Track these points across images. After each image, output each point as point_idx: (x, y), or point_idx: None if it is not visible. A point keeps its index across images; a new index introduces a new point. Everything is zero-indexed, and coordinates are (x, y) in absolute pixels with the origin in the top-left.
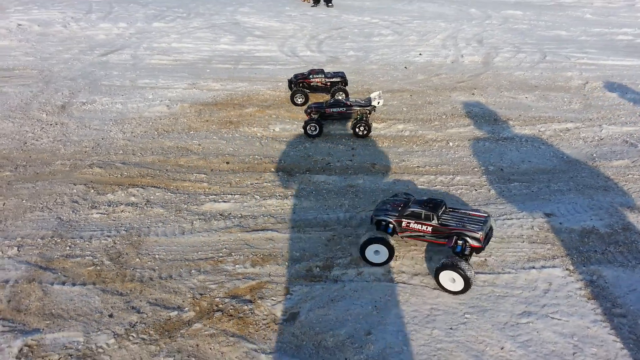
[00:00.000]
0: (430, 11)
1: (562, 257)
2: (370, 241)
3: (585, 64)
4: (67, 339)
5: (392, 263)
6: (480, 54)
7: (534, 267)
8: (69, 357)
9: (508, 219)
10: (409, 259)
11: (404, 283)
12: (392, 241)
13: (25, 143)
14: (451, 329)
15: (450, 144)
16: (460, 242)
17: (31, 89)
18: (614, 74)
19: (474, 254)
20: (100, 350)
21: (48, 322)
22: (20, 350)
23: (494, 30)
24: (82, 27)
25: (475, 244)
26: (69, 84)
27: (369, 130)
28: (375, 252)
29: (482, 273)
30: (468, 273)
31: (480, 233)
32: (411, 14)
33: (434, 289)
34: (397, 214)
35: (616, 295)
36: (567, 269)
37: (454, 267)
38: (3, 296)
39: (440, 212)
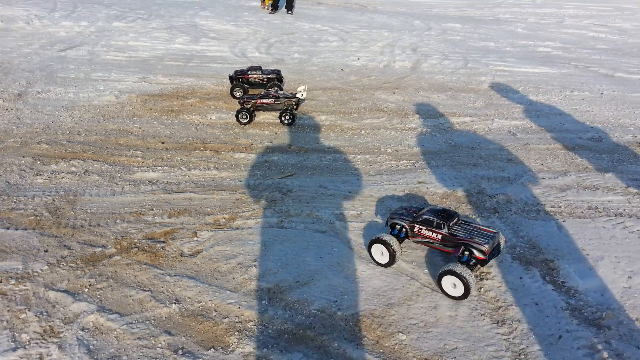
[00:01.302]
0: (378, 21)
1: None
2: (376, 241)
3: (501, 71)
4: (9, 266)
5: (288, 215)
6: (411, 60)
7: None
8: (9, 278)
9: (386, 185)
10: (300, 213)
11: (293, 228)
12: (395, 246)
13: None
14: (321, 257)
15: (362, 132)
16: (466, 252)
17: None
18: (523, 79)
19: (479, 266)
20: (35, 273)
21: None
22: None
23: (430, 40)
24: (44, 24)
25: (480, 256)
26: (26, 75)
27: (293, 119)
28: (382, 253)
29: (356, 222)
30: (470, 280)
31: (487, 246)
32: (360, 23)
33: (315, 231)
34: (411, 219)
35: None
36: None
37: (457, 274)
38: None
39: (452, 222)
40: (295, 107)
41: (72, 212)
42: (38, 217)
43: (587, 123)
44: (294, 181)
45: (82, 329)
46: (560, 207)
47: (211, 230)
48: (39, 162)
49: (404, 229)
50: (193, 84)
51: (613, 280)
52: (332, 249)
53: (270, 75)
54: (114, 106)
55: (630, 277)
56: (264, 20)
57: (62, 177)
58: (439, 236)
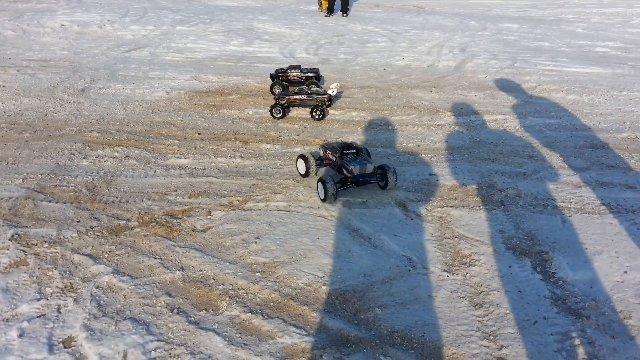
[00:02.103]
0: (432, 22)
1: (424, 200)
2: (300, 156)
3: (548, 70)
4: (44, 232)
5: (297, 200)
6: (457, 60)
7: (398, 206)
8: (44, 242)
9: (399, 176)
10: (307, 198)
11: (298, 212)
12: (312, 162)
13: (46, 115)
14: (318, 238)
15: (389, 127)
16: (343, 170)
17: (60, 76)
18: (570, 79)
19: (350, 182)
20: (66, 239)
21: (34, 222)
22: (12, 235)
23: (482, 40)
24: (115, 28)
25: (347, 174)
26: (92, 73)
27: (324, 115)
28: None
29: (359, 208)
30: (328, 186)
31: (352, 168)
32: (413, 24)
33: (318, 216)
34: (326, 147)
35: (454, 226)
36: (425, 208)
37: (322, 181)
38: (7, 206)
39: (345, 151)
40: (327, 103)
41: (106, 190)
42: (77, 194)
43: (627, 123)
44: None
45: (97, 287)
46: (570, 202)
47: (224, 211)
48: (87, 148)
49: (321, 153)
50: (239, 82)
51: (607, 273)
52: (330, 232)
53: (308, 74)
54: (164, 101)
55: (625, 272)
56: (318, 23)
57: (105, 161)
58: (334, 158)
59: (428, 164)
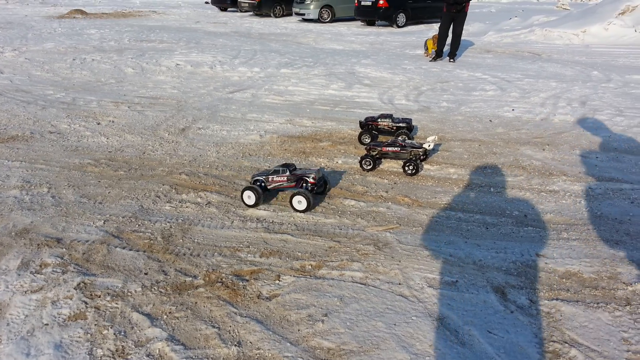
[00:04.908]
0: (549, 71)
1: (528, 288)
2: (246, 188)
3: None
4: (110, 283)
5: (375, 271)
6: (577, 114)
7: (495, 292)
8: (107, 294)
9: (497, 252)
10: (387, 270)
11: (376, 287)
12: (259, 191)
13: (144, 153)
14: (395, 324)
15: (491, 189)
16: (303, 183)
17: (165, 114)
18: None
19: (314, 189)
20: (129, 293)
21: (103, 271)
22: (79, 284)
23: (606, 93)
24: (224, 69)
25: (312, 180)
26: (194, 113)
27: (417, 170)
28: (249, 197)
29: (448, 290)
30: (310, 196)
31: (314, 174)
32: (527, 72)
33: (398, 294)
34: (265, 175)
35: (565, 327)
36: (529, 299)
37: (302, 194)
38: (82, 250)
39: (291, 169)
40: (422, 157)
41: (181, 240)
42: (152, 241)
43: None
44: (395, 235)
45: (148, 355)
46: None
47: (294, 276)
48: (173, 191)
49: (262, 183)
50: (332, 127)
51: None
52: (410, 318)
53: (400, 124)
54: (256, 145)
55: None
56: (422, 68)
57: (187, 207)
58: (284, 178)
59: (535, 240)
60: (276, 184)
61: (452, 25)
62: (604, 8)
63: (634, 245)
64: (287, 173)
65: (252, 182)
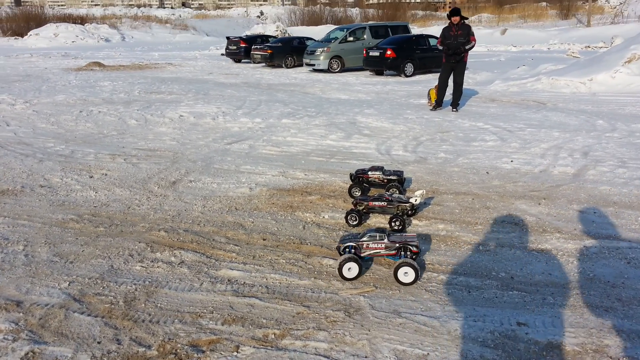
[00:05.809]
0: (552, 120)
1: None
2: (346, 260)
3: None
4: (60, 352)
5: (342, 342)
6: (577, 165)
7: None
8: None
9: (475, 321)
10: (355, 341)
11: None
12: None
13: (129, 208)
14: None
15: (480, 247)
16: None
17: (159, 166)
18: None
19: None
20: None
21: (55, 338)
22: (27, 353)
23: (610, 143)
24: (226, 120)
25: (415, 249)
26: (188, 165)
27: (404, 227)
28: (349, 269)
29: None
30: (418, 267)
31: (416, 242)
32: (530, 122)
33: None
34: (357, 240)
35: None
36: None
37: (409, 264)
38: (38, 315)
39: (388, 234)
40: (410, 212)
41: (143, 305)
42: (113, 305)
43: None
44: (369, 299)
45: None
46: None
47: (254, 347)
48: (148, 249)
49: (354, 249)
50: (324, 180)
51: None
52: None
53: (391, 177)
54: (244, 199)
55: None
56: (423, 117)
57: (158, 267)
58: (382, 245)
59: (519, 306)
60: (372, 252)
61: (452, 75)
62: (611, 56)
63: (624, 313)
64: (385, 240)
65: (343, 249)
